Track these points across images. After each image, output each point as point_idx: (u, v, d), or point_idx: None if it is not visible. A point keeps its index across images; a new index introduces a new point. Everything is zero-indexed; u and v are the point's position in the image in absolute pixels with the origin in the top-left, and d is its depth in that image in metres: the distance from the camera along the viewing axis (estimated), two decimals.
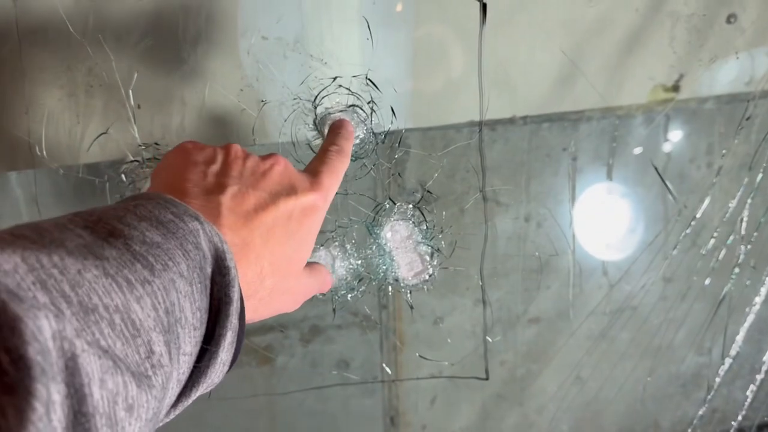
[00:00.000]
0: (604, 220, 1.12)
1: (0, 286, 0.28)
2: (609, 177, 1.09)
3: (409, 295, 0.76)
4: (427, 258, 0.74)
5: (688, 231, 1.07)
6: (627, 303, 1.19)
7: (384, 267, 0.74)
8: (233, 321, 0.40)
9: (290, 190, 0.48)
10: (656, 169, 1.02)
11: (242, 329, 0.43)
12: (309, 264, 0.55)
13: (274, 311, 0.50)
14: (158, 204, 0.39)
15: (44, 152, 0.66)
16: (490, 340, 1.02)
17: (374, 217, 0.74)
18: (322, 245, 0.74)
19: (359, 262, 0.75)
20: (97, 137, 0.67)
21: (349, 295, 0.75)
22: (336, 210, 0.74)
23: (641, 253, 1.12)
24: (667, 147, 1.10)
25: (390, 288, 0.74)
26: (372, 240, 0.74)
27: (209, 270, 0.39)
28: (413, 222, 0.74)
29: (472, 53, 0.83)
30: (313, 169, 0.53)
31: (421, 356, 1.01)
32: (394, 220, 0.73)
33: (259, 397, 1.14)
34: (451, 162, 0.99)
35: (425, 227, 0.74)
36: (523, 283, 1.15)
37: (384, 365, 1.04)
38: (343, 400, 1.17)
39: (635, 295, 1.18)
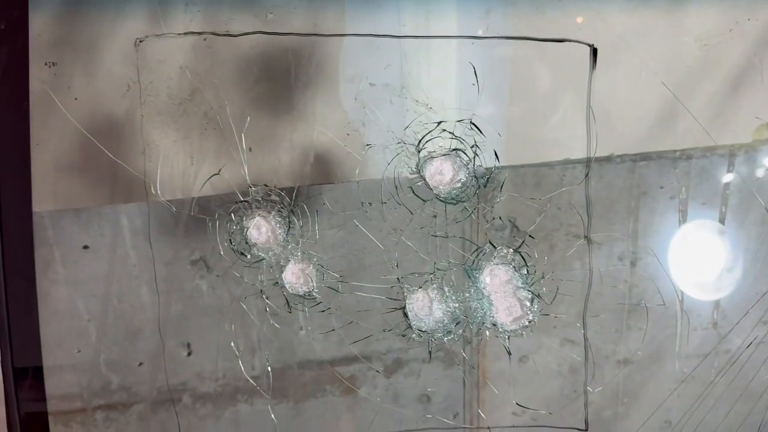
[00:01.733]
0: (704, 258, 1.08)
1: None
2: (712, 218, 1.04)
3: (507, 340, 0.75)
4: (527, 303, 0.73)
5: None
6: (720, 348, 1.14)
7: (482, 311, 0.73)
8: None
9: None
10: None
11: None
12: None
13: None
14: None
15: (158, 191, 0.69)
16: (591, 390, 0.99)
17: (474, 261, 0.74)
18: (420, 287, 0.74)
19: (457, 305, 0.74)
20: (210, 178, 0.69)
21: (446, 338, 0.74)
22: (435, 252, 0.74)
23: (747, 300, 1.07)
24: None
25: (488, 333, 0.73)
26: (471, 283, 0.73)
27: None
28: (513, 266, 0.73)
29: (570, 90, 0.82)
30: None
31: (519, 405, 0.99)
32: (494, 264, 0.72)
33: (341, 428, 1.14)
34: (543, 203, 0.97)
35: (525, 272, 0.73)
36: (614, 323, 1.11)
37: (480, 412, 1.02)
38: None
39: (731, 341, 1.13)
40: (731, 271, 1.11)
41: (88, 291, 1.03)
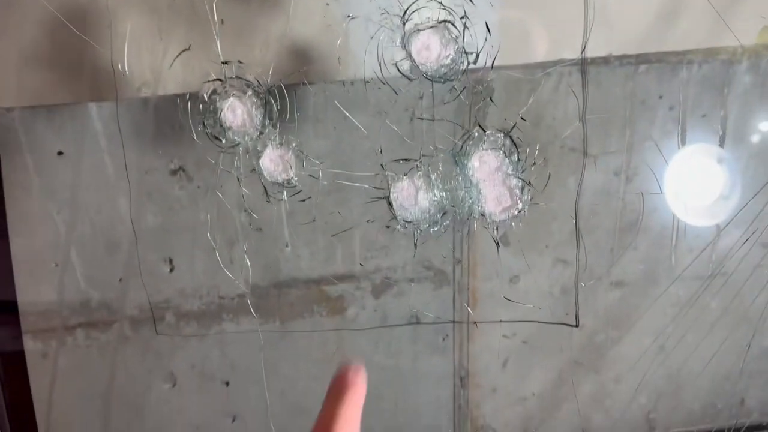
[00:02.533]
0: (701, 179, 1.04)
1: None
2: (710, 130, 1.01)
3: (495, 231, 0.71)
4: (517, 192, 0.69)
5: None
6: (720, 269, 1.11)
7: (470, 200, 0.69)
8: None
9: None
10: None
11: None
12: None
13: None
14: None
15: (126, 68, 0.65)
16: (583, 285, 0.97)
17: (462, 146, 0.70)
18: (405, 175, 0.71)
19: (444, 194, 0.71)
20: (179, 54, 0.65)
21: (432, 229, 0.71)
22: (421, 137, 0.70)
23: (743, 207, 1.03)
24: None
25: (475, 224, 0.70)
26: (458, 171, 0.70)
27: None
28: (503, 152, 0.69)
29: None
30: None
31: (507, 298, 0.96)
32: (483, 149, 0.68)
33: (328, 347, 1.12)
34: (536, 108, 0.93)
35: (516, 158, 0.69)
36: (608, 242, 1.08)
37: (465, 305, 1.00)
38: (412, 357, 1.14)
39: (730, 261, 1.10)
40: (729, 196, 1.07)
41: (63, 201, 0.99)
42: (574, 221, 1.04)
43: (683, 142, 1.02)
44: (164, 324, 1.09)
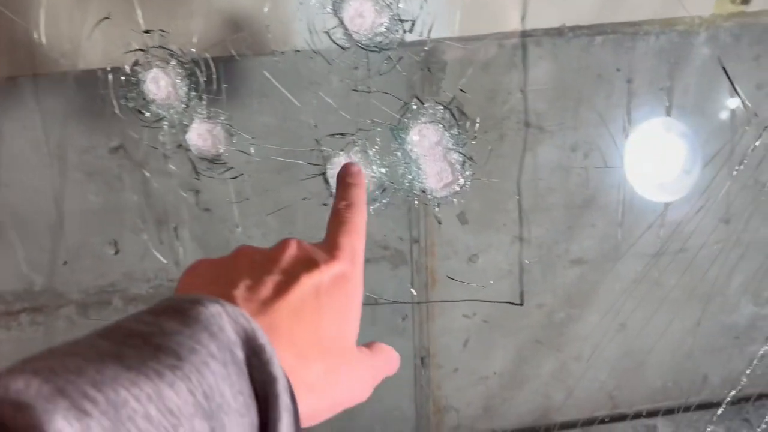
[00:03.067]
0: (660, 154, 1.02)
1: (12, 402, 0.27)
2: (668, 102, 0.99)
3: (437, 208, 0.69)
4: (458, 167, 0.66)
5: (757, 143, 0.95)
6: (679, 245, 1.10)
7: (410, 176, 0.67)
8: (285, 400, 0.35)
9: (310, 265, 0.42)
10: (725, 70, 0.91)
11: (296, 412, 0.37)
12: (369, 343, 0.49)
13: (338, 404, 0.44)
14: (174, 299, 0.36)
15: (43, 38, 0.61)
16: (527, 261, 0.95)
17: (400, 120, 0.67)
18: (342, 150, 0.68)
19: (383, 170, 0.68)
20: (99, 22, 0.61)
21: (371, 207, 0.68)
22: (357, 110, 0.67)
23: (700, 174, 1.02)
24: (732, 71, 0.99)
25: (416, 201, 0.68)
26: (397, 145, 0.67)
27: (241, 354, 0.35)
28: (443, 126, 0.66)
29: None
30: (330, 236, 0.47)
31: (450, 278, 0.95)
32: (422, 123, 0.66)
33: None
34: (491, 83, 0.91)
35: (457, 132, 0.66)
36: (566, 220, 1.07)
37: (411, 289, 0.98)
38: (371, 338, 1.12)
39: (689, 237, 1.09)
40: (690, 170, 1.06)
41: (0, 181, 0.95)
42: (532, 199, 1.02)
43: (641, 116, 1.01)
44: (111, 308, 1.06)
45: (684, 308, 1.16)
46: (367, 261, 1.06)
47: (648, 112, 1.01)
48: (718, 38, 0.96)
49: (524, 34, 0.84)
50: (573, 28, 0.88)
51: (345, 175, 0.52)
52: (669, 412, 1.29)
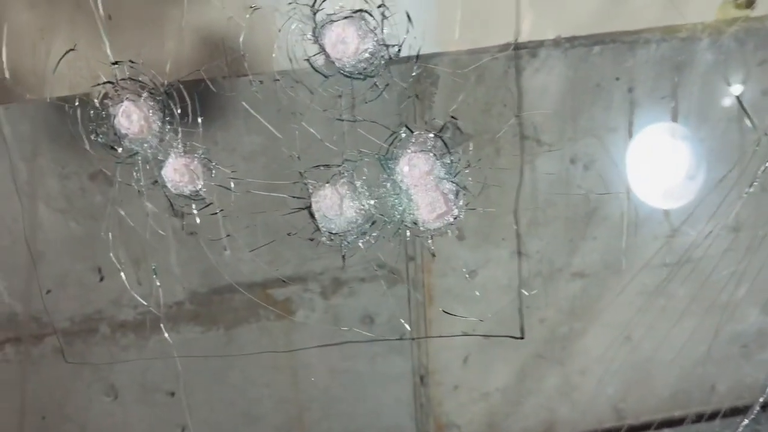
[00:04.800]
0: (663, 163, 0.99)
1: None
2: (670, 112, 0.95)
3: (430, 241, 0.66)
4: (452, 197, 0.63)
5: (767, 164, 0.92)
6: (686, 255, 1.07)
7: (400, 208, 0.63)
8: None
9: None
10: (740, 101, 0.87)
11: None
12: None
13: None
14: None
15: (6, 73, 0.57)
16: (526, 293, 0.91)
17: (388, 149, 0.63)
18: (328, 182, 0.64)
19: (371, 202, 0.64)
20: (64, 54, 0.57)
21: (360, 241, 0.64)
22: (343, 140, 0.64)
23: (708, 193, 0.98)
24: (736, 76, 0.95)
25: (408, 232, 0.64)
26: (386, 176, 0.63)
27: None
28: (434, 155, 0.62)
29: None
30: None
31: (446, 312, 0.91)
32: (411, 152, 0.62)
33: (278, 354, 1.07)
34: (486, 95, 0.87)
35: (449, 161, 0.63)
36: (567, 232, 1.03)
37: (403, 321, 0.94)
38: (369, 358, 1.09)
39: (697, 246, 1.05)
40: (694, 176, 1.02)
41: None
42: (531, 212, 0.99)
43: (642, 124, 0.97)
44: (99, 335, 1.02)
45: (691, 318, 1.13)
46: (362, 280, 1.03)
47: (649, 120, 0.97)
48: (721, 44, 0.92)
49: (518, 47, 0.80)
50: (570, 39, 0.84)
51: None
52: (678, 422, 1.26)
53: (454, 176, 0.62)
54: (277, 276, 1.00)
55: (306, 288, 1.04)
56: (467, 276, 1.03)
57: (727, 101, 0.95)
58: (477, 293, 1.02)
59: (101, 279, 0.98)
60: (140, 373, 1.06)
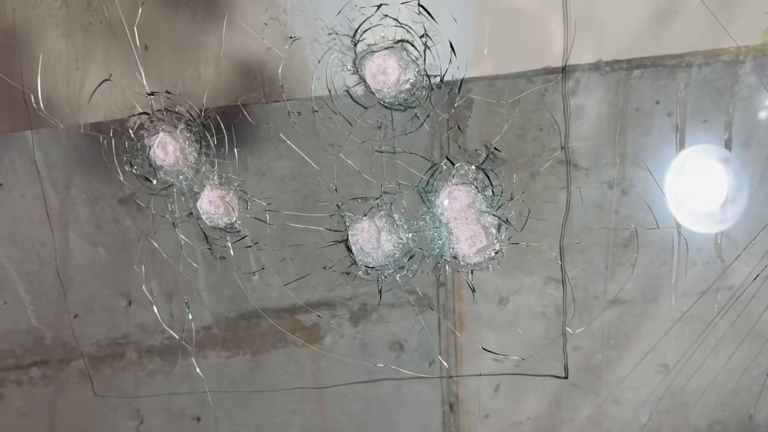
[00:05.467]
0: (704, 188, 0.96)
1: None
2: (712, 137, 0.92)
3: (470, 275, 0.63)
4: (493, 231, 0.61)
5: None
6: (724, 283, 1.03)
7: (440, 241, 0.61)
8: None
9: None
10: None
11: None
12: None
13: None
14: None
15: (41, 103, 0.56)
16: (570, 331, 0.88)
17: (428, 182, 0.61)
18: (365, 215, 0.62)
19: (410, 235, 0.62)
20: (99, 85, 0.56)
21: (398, 275, 0.62)
22: (381, 172, 0.62)
23: (748, 218, 0.95)
24: None
25: (447, 267, 0.62)
26: (426, 209, 0.61)
27: None
28: (476, 187, 0.60)
29: None
30: None
31: (485, 349, 0.89)
32: (452, 184, 0.60)
33: (305, 379, 1.05)
34: (521, 119, 0.85)
35: (491, 193, 0.61)
36: (604, 259, 1.01)
37: (440, 359, 0.92)
38: (396, 385, 1.07)
39: (733, 272, 1.02)
40: (735, 201, 0.99)
41: (5, 235, 0.91)
42: (567, 238, 0.96)
43: (683, 147, 0.94)
44: (125, 360, 1.01)
45: (728, 347, 1.10)
46: (392, 305, 1.01)
47: (690, 144, 0.95)
48: (765, 67, 0.89)
49: (557, 70, 0.78)
50: (610, 63, 0.82)
51: None
52: None
53: (496, 209, 0.60)
54: (304, 302, 0.98)
55: (334, 314, 1.02)
56: (499, 303, 1.01)
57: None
58: (509, 321, 1.00)
59: (128, 304, 0.98)
60: (166, 398, 1.05)
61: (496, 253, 0.62)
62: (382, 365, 0.91)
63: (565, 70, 0.68)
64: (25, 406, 1.03)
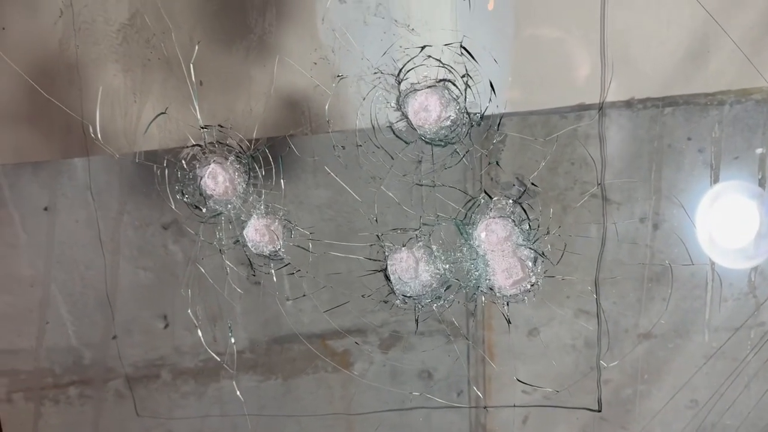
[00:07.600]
0: (737, 223, 0.96)
1: None
2: (745, 173, 0.93)
3: (506, 307, 0.64)
4: (529, 264, 0.62)
5: None
6: (756, 320, 1.03)
7: (477, 273, 0.62)
8: None
9: None
10: None
11: None
12: None
13: None
14: None
15: (98, 134, 0.59)
16: (605, 365, 0.89)
17: (466, 214, 0.63)
18: (404, 245, 0.64)
19: (447, 266, 0.64)
20: (155, 117, 0.59)
21: (435, 305, 0.64)
22: (421, 204, 0.64)
23: None
24: None
25: (483, 298, 0.63)
26: (463, 241, 0.63)
27: None
28: (513, 220, 0.62)
29: (585, 23, 0.70)
30: None
31: (519, 381, 0.89)
32: (490, 217, 0.61)
33: (335, 406, 1.06)
34: (553, 153, 0.86)
35: (527, 227, 0.62)
36: (635, 293, 1.01)
37: (474, 388, 0.93)
38: (425, 414, 1.07)
39: (767, 312, 1.02)
40: (766, 236, 0.99)
41: (51, 257, 0.94)
42: (599, 272, 0.97)
43: (712, 182, 0.95)
44: (160, 382, 1.04)
45: (761, 384, 1.09)
46: (421, 334, 1.02)
47: (722, 179, 0.95)
48: None
49: (590, 107, 0.80)
50: (643, 100, 0.83)
51: None
52: None
53: (533, 243, 0.61)
54: (335, 328, 1.00)
55: (365, 340, 1.03)
56: (529, 334, 1.01)
57: None
58: (540, 352, 1.00)
59: (166, 326, 1.00)
60: (199, 421, 1.06)
61: (532, 285, 0.63)
62: (417, 393, 0.92)
63: (602, 108, 0.70)
64: (63, 425, 1.05)
